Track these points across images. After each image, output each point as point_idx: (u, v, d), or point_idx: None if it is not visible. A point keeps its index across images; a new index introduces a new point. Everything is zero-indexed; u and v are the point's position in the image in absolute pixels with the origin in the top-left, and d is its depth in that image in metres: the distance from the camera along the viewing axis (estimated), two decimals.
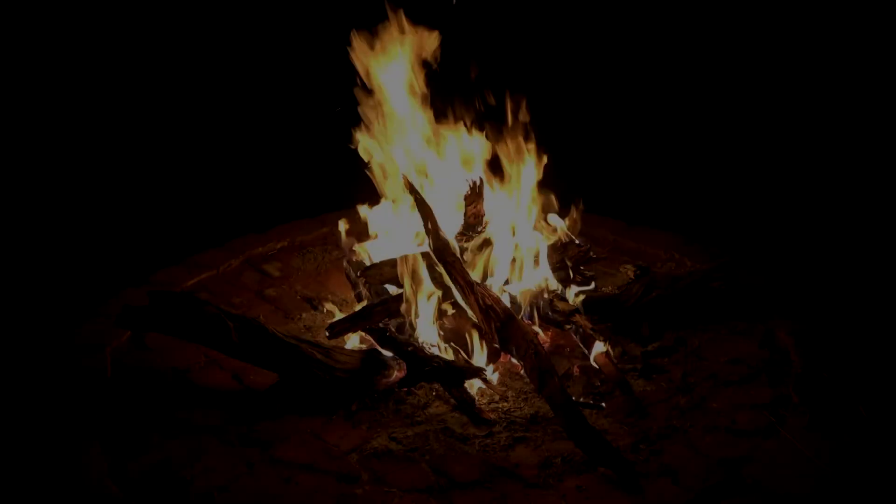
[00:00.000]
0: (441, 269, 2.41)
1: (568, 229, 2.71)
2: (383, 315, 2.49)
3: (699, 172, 4.10)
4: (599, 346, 2.39)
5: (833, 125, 4.31)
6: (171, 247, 3.32)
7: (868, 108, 4.25)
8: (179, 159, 4.32)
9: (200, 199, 3.95)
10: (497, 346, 2.35)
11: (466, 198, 2.41)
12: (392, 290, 2.54)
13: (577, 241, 2.65)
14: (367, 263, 2.64)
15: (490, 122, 2.64)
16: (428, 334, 2.43)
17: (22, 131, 4.24)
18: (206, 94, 4.66)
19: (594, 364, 2.40)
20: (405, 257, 2.44)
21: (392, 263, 2.49)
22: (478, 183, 2.42)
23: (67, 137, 4.36)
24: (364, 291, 2.65)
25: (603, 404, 2.30)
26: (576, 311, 2.44)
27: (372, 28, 2.57)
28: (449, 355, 2.40)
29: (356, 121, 2.73)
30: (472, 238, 2.51)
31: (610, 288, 2.92)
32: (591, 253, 2.67)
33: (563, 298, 2.50)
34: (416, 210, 2.44)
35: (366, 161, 2.64)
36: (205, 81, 4.72)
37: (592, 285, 2.73)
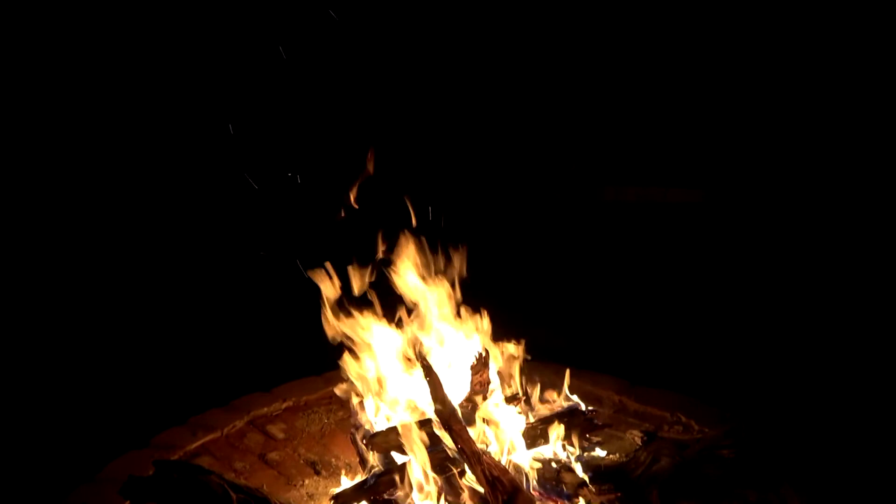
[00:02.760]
0: (447, 437, 2.40)
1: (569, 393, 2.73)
2: (389, 485, 2.45)
3: (699, 330, 4.18)
4: None
5: (827, 281, 4.43)
6: (174, 406, 3.31)
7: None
8: (184, 315, 4.41)
9: (205, 357, 4.00)
10: None
11: (472, 367, 2.45)
12: (398, 458, 2.51)
13: (582, 408, 2.66)
14: (374, 430, 2.63)
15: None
16: None
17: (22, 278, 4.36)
18: (212, 250, 4.83)
19: None
20: (410, 426, 2.44)
21: (398, 431, 2.48)
22: (483, 353, 2.47)
23: (69, 291, 4.48)
24: (370, 458, 2.62)
25: None
26: (584, 483, 2.40)
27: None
28: None
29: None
30: (478, 406, 2.52)
31: (617, 455, 2.88)
32: (597, 420, 2.67)
33: (570, 469, 2.47)
34: (424, 377, 2.47)
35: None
36: (210, 238, 4.92)
37: (599, 453, 2.71)
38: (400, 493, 2.45)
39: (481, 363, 2.45)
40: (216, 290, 4.66)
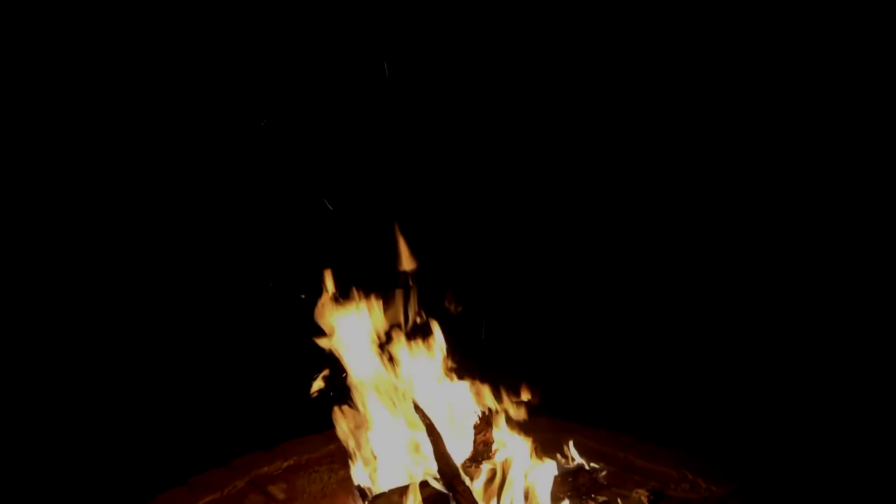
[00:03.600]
0: (450, 497, 2.37)
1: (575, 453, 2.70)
2: None
3: (705, 386, 4.15)
4: None
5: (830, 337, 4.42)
6: (173, 465, 3.27)
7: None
8: (183, 372, 4.39)
9: (205, 414, 3.96)
10: None
11: (475, 427, 2.43)
12: None
13: (586, 467, 2.62)
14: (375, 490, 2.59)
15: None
16: None
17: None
18: (212, 308, 4.83)
19: None
20: (413, 486, 2.41)
21: (401, 492, 2.45)
22: (487, 412, 2.46)
23: (63, 342, 4.45)
24: None
25: None
26: None
27: None
28: None
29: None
30: (482, 466, 2.49)
31: None
32: (602, 479, 2.63)
33: None
34: (427, 436, 2.45)
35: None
36: (210, 289, 4.91)
37: None
38: None
39: (484, 423, 2.44)
40: (215, 346, 4.64)
